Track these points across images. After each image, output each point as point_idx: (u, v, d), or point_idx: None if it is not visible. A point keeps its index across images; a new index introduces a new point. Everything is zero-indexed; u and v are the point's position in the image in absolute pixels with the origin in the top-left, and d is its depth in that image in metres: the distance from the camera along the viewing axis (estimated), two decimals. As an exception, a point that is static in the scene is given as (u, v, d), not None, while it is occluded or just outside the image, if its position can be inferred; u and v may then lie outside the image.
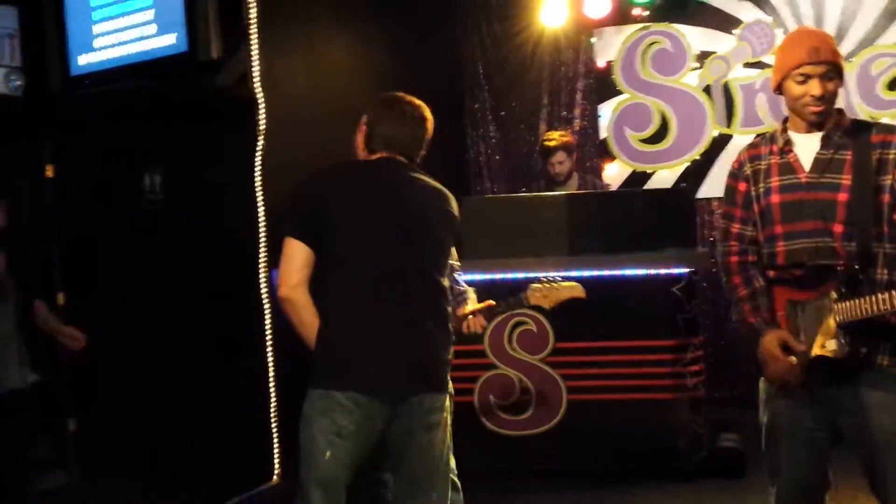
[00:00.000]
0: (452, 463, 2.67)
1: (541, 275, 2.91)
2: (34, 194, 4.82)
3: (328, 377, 2.24)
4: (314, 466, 2.23)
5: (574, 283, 2.86)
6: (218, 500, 3.90)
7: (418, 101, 2.50)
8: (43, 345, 3.71)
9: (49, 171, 4.86)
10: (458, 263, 2.95)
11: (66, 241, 4.83)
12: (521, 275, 3.74)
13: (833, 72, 2.22)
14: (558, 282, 2.84)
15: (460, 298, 2.88)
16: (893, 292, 2.06)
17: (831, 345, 2.16)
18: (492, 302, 2.86)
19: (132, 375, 4.67)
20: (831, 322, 2.16)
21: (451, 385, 2.50)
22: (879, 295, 2.08)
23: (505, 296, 2.94)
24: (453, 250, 2.90)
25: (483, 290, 3.01)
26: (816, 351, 2.18)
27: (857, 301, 2.11)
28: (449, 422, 2.43)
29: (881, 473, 2.19)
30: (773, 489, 2.38)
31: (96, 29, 4.22)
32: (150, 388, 4.57)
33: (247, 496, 4.03)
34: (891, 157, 2.19)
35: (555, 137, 4.76)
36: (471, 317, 2.82)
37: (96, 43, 4.24)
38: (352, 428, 2.21)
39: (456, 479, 2.80)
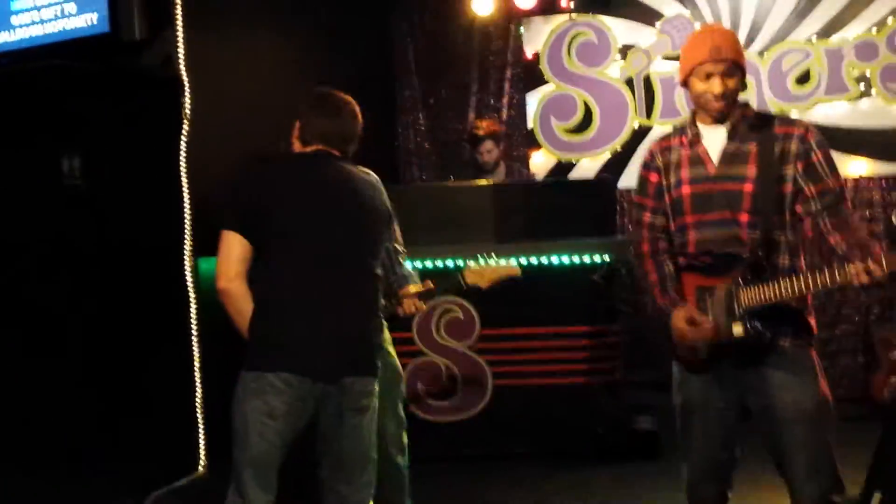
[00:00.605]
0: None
1: (477, 256, 2.95)
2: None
3: (260, 359, 2.30)
4: (247, 447, 2.29)
5: (509, 264, 2.91)
6: (142, 492, 3.84)
7: (349, 97, 2.58)
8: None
9: (-40, 153, 4.68)
10: (403, 248, 3.02)
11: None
12: (449, 262, 3.81)
13: (734, 69, 2.30)
14: (494, 261, 2.90)
15: (403, 281, 2.94)
16: (794, 278, 2.19)
17: (738, 328, 2.26)
18: (430, 283, 2.90)
19: (49, 365, 4.55)
20: (737, 307, 2.27)
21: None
22: (781, 281, 2.20)
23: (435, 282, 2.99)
24: (398, 234, 2.98)
25: (413, 277, 3.05)
26: (724, 334, 2.30)
27: (760, 287, 2.23)
28: (376, 406, 2.49)
29: (784, 448, 2.30)
30: (685, 466, 2.51)
31: (14, 5, 4.08)
32: (69, 378, 4.46)
33: (172, 488, 3.98)
34: (792, 149, 2.28)
35: (483, 126, 4.82)
36: (407, 299, 2.86)
37: (14, 20, 4.09)
38: (283, 409, 2.27)
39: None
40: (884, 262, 2.04)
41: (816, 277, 2.14)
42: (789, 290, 2.19)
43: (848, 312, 5.02)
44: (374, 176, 2.57)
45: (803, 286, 2.17)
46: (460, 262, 3.65)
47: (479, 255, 2.92)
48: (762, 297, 2.22)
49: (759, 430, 2.38)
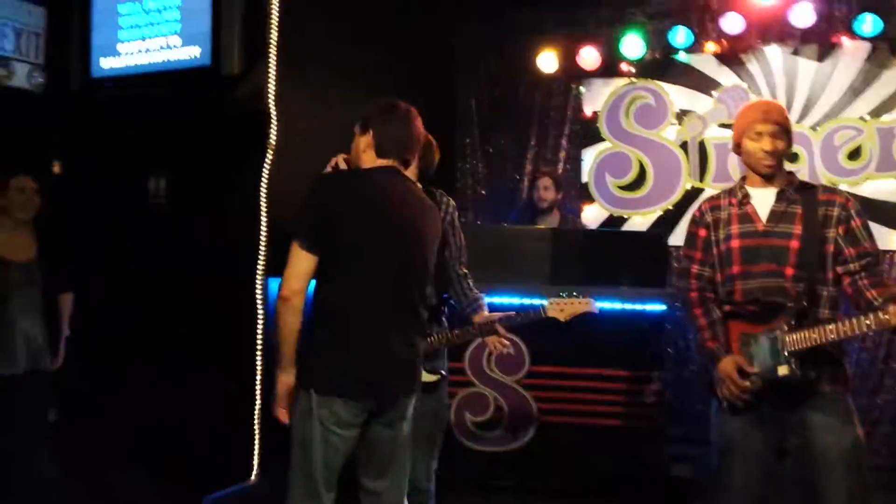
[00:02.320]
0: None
1: (559, 292, 3.12)
2: (40, 189, 4.96)
3: (328, 383, 2.37)
4: (315, 454, 2.37)
5: (588, 300, 3.09)
6: (196, 495, 4.01)
7: (406, 104, 2.68)
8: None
9: (56, 168, 5.02)
10: (467, 271, 3.13)
11: (68, 238, 4.97)
12: (504, 299, 4.01)
13: (781, 133, 2.56)
14: (574, 297, 3.08)
15: (475, 305, 3.07)
16: (838, 323, 2.38)
17: (783, 370, 2.43)
18: (513, 313, 3.07)
19: (121, 372, 4.79)
20: (782, 350, 2.44)
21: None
22: (826, 326, 2.39)
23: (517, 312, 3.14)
24: (463, 257, 3.12)
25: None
26: (769, 375, 2.47)
27: (806, 332, 2.41)
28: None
29: (822, 487, 2.44)
30: None
31: (122, 35, 4.42)
32: (138, 385, 4.69)
33: (224, 493, 4.16)
34: (834, 213, 2.52)
35: (545, 169, 5.14)
36: (494, 338, 3.02)
37: (121, 48, 4.44)
38: (349, 420, 2.37)
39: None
40: None
41: (861, 322, 2.33)
42: (833, 334, 2.37)
43: (890, 383, 5.07)
44: (431, 202, 2.68)
45: (847, 330, 2.35)
46: (515, 301, 3.88)
47: (560, 293, 3.10)
48: (807, 340, 2.40)
49: (795, 471, 2.53)
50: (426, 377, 2.84)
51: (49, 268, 3.78)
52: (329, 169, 2.88)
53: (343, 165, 2.82)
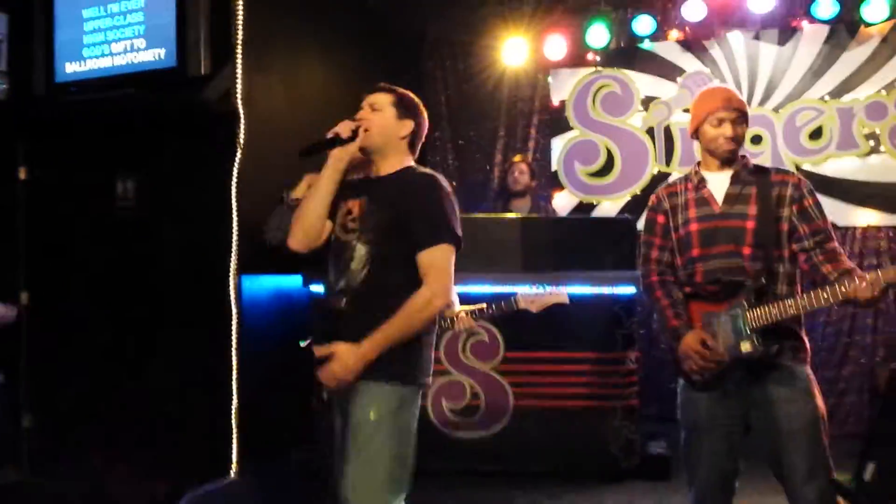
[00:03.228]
0: None
1: (530, 285, 3.17)
2: (6, 195, 4.94)
3: (423, 373, 2.39)
4: (410, 451, 2.36)
5: (560, 291, 3.15)
6: (176, 492, 4.05)
7: None
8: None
9: (22, 174, 4.99)
10: None
11: (35, 242, 4.95)
12: (476, 288, 4.05)
13: (741, 118, 2.62)
14: (545, 289, 3.14)
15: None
16: (797, 297, 2.46)
17: (746, 346, 2.50)
18: (484, 305, 3.12)
19: (94, 373, 4.78)
20: (744, 327, 2.51)
21: None
22: (786, 301, 2.46)
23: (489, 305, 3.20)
24: None
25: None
26: (732, 353, 2.53)
27: (766, 307, 2.48)
28: None
29: (785, 456, 2.51)
30: (691, 487, 2.69)
31: (86, 39, 4.40)
32: (112, 385, 4.69)
33: (203, 491, 4.18)
34: (787, 193, 2.59)
35: (519, 156, 5.33)
36: (464, 316, 3.07)
37: (85, 52, 4.42)
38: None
39: None
40: (880, 277, 2.31)
41: (819, 295, 2.41)
42: (794, 308, 2.45)
43: (854, 354, 5.21)
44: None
45: (806, 303, 2.43)
46: (488, 290, 3.93)
47: (531, 285, 3.16)
48: (768, 315, 2.48)
49: (760, 442, 2.58)
50: None
51: None
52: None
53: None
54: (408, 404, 2.34)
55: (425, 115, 2.52)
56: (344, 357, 2.27)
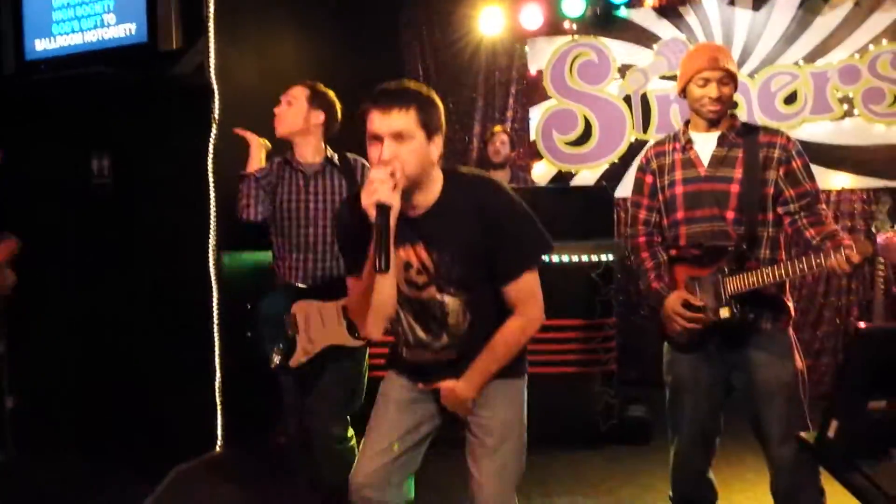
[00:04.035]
0: None
1: None
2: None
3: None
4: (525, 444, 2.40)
5: None
6: (162, 469, 4.07)
7: None
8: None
9: (-3, 154, 4.93)
10: None
11: (11, 222, 4.90)
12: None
13: (728, 78, 2.59)
14: None
15: None
16: (775, 267, 2.48)
17: (724, 312, 2.54)
18: None
19: (74, 352, 4.78)
20: (724, 293, 2.55)
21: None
22: (764, 269, 2.49)
23: None
24: None
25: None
26: (712, 317, 2.58)
27: (745, 274, 2.51)
28: None
29: (763, 417, 2.58)
30: (674, 442, 2.76)
31: (55, 16, 4.33)
32: (94, 363, 4.70)
33: (190, 464, 4.21)
34: (774, 155, 2.58)
35: (499, 128, 5.30)
36: None
37: (54, 29, 4.36)
38: None
39: None
40: (855, 249, 2.34)
41: (796, 265, 2.43)
42: (771, 277, 2.47)
43: (829, 315, 5.30)
44: None
45: (783, 273, 2.46)
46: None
47: None
48: (747, 283, 2.51)
49: (742, 403, 2.65)
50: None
51: None
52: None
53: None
54: (524, 396, 2.36)
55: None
56: (462, 394, 2.17)
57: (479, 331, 2.14)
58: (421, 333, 2.19)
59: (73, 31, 4.33)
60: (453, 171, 2.10)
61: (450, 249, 2.06)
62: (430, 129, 1.98)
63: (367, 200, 1.86)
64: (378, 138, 1.95)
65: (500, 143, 5.17)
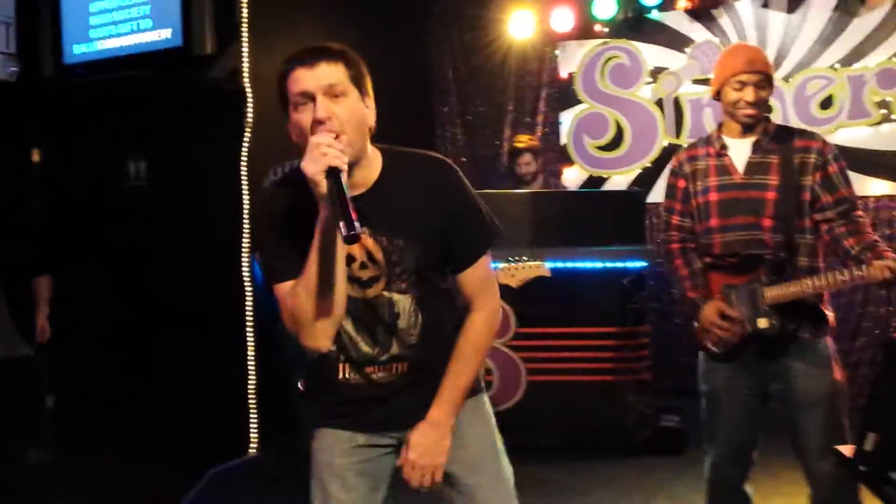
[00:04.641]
0: None
1: (508, 258, 3.18)
2: (20, 177, 4.98)
3: None
4: None
5: (539, 263, 3.12)
6: (197, 471, 4.09)
7: None
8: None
9: (35, 156, 5.02)
10: None
11: (50, 223, 4.99)
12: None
13: (765, 81, 2.53)
14: (524, 262, 3.12)
15: None
16: (814, 277, 2.43)
17: (762, 322, 2.48)
18: None
19: (112, 353, 4.85)
20: (761, 303, 2.50)
21: None
22: (803, 280, 2.43)
23: None
24: None
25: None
26: (749, 328, 2.53)
27: (784, 285, 2.46)
28: None
29: (801, 430, 2.52)
30: (708, 455, 2.70)
31: (93, 20, 4.42)
32: (132, 364, 4.76)
33: (227, 466, 4.25)
34: (811, 160, 2.51)
35: (523, 140, 5.14)
36: None
37: (92, 34, 4.44)
38: None
39: None
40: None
41: (836, 276, 2.38)
42: (810, 288, 2.42)
43: (868, 325, 5.19)
44: None
45: (823, 284, 2.41)
46: (498, 265, 3.93)
47: (509, 258, 3.12)
48: (785, 294, 2.45)
49: (779, 415, 2.59)
50: None
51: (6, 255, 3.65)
52: None
53: None
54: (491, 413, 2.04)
55: None
56: (425, 444, 1.81)
57: (431, 334, 1.83)
58: (365, 347, 1.82)
59: (110, 36, 4.42)
60: (390, 148, 1.82)
61: (401, 233, 1.76)
62: (361, 88, 1.72)
63: (315, 168, 1.56)
64: (308, 96, 1.65)
65: (525, 164, 5.03)
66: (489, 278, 1.87)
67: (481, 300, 1.85)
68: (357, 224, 1.52)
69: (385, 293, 1.79)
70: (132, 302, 4.70)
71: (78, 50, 4.50)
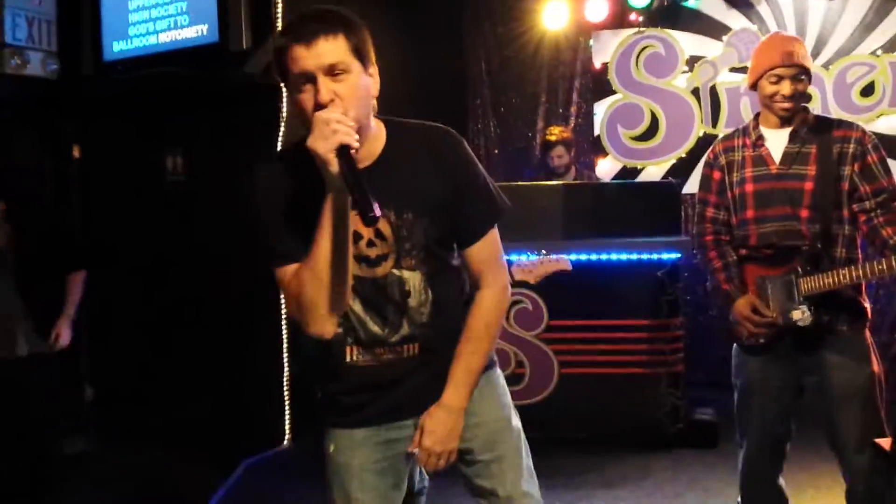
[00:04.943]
0: None
1: (529, 253, 3.13)
2: (60, 173, 5.09)
3: None
4: None
5: (560, 257, 3.08)
6: (232, 462, 4.16)
7: None
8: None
9: (76, 152, 5.13)
10: None
11: (90, 218, 5.10)
12: (520, 255, 4.07)
13: (803, 74, 2.50)
14: (543, 256, 3.08)
15: None
16: (851, 268, 2.40)
17: (797, 314, 2.46)
18: None
19: (149, 346, 4.95)
20: (797, 294, 2.48)
21: None
22: (840, 270, 2.40)
23: None
24: None
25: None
26: (782, 322, 2.50)
27: (820, 276, 2.43)
28: None
29: (838, 423, 2.50)
30: (742, 447, 2.69)
31: (132, 18, 4.50)
32: (169, 356, 4.85)
33: (261, 457, 4.32)
34: (850, 150, 2.48)
35: (555, 133, 5.11)
36: None
37: (130, 31, 4.52)
38: None
39: None
40: None
41: (874, 266, 2.34)
42: (847, 279, 2.39)
43: (908, 318, 5.12)
44: None
45: (860, 274, 2.37)
46: (531, 256, 3.92)
47: (527, 253, 3.08)
48: (821, 285, 2.42)
49: (816, 407, 2.56)
50: None
51: (28, 252, 3.56)
52: None
53: None
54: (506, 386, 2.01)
55: None
56: (440, 432, 1.78)
57: (441, 312, 1.78)
58: (374, 327, 1.75)
59: (148, 33, 4.49)
60: (393, 119, 1.76)
61: (409, 206, 1.70)
62: (363, 58, 1.63)
63: (326, 146, 1.49)
64: (308, 78, 1.57)
65: (558, 157, 5.02)
66: (497, 254, 1.82)
67: (491, 275, 1.80)
68: (376, 204, 1.47)
69: (394, 271, 1.73)
70: (169, 295, 4.79)
71: (117, 47, 4.58)
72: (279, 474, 4.10)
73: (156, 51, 4.44)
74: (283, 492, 3.86)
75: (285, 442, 4.48)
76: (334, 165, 1.50)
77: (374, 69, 1.67)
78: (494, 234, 1.81)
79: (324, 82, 1.56)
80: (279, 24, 4.22)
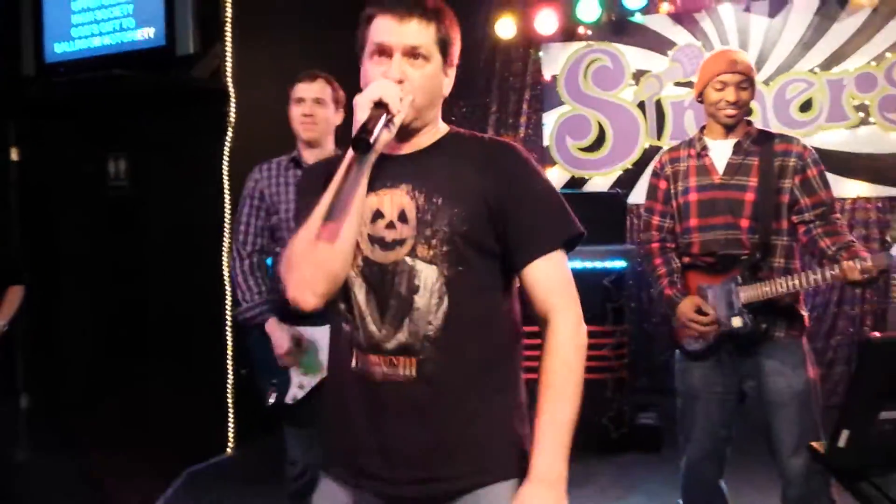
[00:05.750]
0: None
1: None
2: (-1, 176, 4.95)
3: None
4: None
5: None
6: (175, 470, 4.09)
7: None
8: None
9: (14, 154, 5.00)
10: None
11: (28, 223, 4.96)
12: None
13: (747, 82, 2.58)
14: None
15: None
16: (789, 277, 2.48)
17: (737, 321, 2.53)
18: None
19: (90, 353, 4.83)
20: (736, 302, 2.54)
21: None
22: (778, 279, 2.48)
23: None
24: None
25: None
26: (724, 326, 2.56)
27: (759, 284, 2.51)
28: None
29: (775, 427, 2.56)
30: (685, 451, 2.74)
31: (74, 19, 4.40)
32: (108, 365, 4.74)
33: (205, 465, 4.25)
34: (790, 164, 2.56)
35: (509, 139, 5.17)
36: None
37: (73, 32, 4.41)
38: None
39: None
40: (871, 261, 2.33)
41: (811, 276, 2.43)
42: (785, 288, 2.47)
43: (843, 324, 5.26)
44: None
45: (798, 283, 2.45)
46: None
47: None
48: (760, 293, 2.50)
49: (754, 412, 2.63)
50: None
51: None
52: None
53: None
54: None
55: None
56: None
57: (454, 333, 1.49)
58: (371, 325, 1.51)
59: (92, 35, 4.39)
60: (462, 130, 1.64)
61: (441, 191, 1.50)
62: (446, 55, 1.55)
63: (365, 97, 1.43)
64: (385, 52, 1.49)
65: None
66: (568, 281, 1.57)
67: (562, 305, 1.53)
68: (375, 132, 1.39)
69: (407, 259, 1.49)
70: (109, 302, 4.69)
71: (59, 49, 4.47)
72: (223, 482, 4.03)
73: (100, 53, 4.35)
74: (227, 500, 3.80)
75: (229, 449, 4.41)
76: (364, 111, 1.42)
77: (451, 71, 1.59)
78: (562, 257, 1.57)
79: (399, 61, 1.49)
80: (228, 28, 4.18)
